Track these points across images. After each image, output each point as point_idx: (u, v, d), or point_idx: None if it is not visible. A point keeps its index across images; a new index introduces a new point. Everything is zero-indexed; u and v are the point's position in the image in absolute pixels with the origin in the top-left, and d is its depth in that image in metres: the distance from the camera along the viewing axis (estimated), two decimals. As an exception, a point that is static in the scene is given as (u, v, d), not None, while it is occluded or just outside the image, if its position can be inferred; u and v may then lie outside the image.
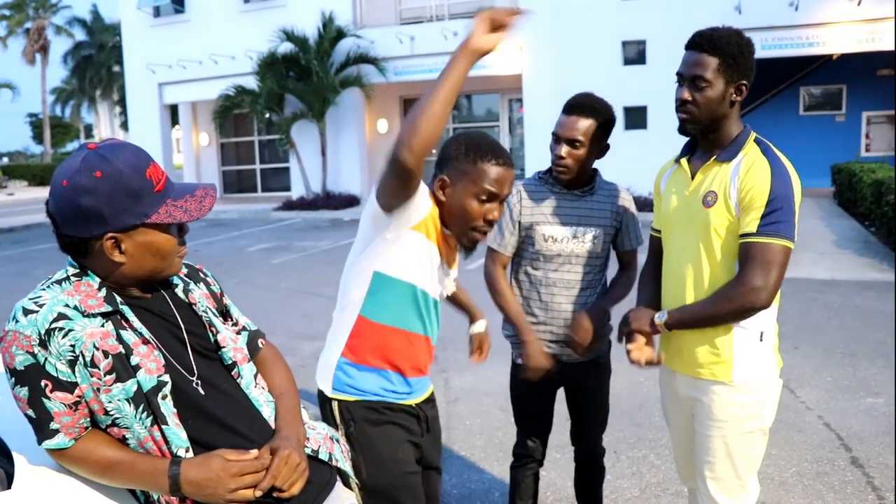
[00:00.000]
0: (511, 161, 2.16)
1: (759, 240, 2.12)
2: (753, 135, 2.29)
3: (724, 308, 2.19)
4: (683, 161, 2.40)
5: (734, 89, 2.23)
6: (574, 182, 2.79)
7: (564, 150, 2.70)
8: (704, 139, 2.33)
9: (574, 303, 2.82)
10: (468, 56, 1.81)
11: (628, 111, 17.99)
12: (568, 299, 2.82)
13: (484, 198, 2.10)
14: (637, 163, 13.25)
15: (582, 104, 2.70)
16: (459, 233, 2.17)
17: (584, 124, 2.67)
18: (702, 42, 2.22)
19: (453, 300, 2.66)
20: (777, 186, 2.12)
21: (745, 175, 2.18)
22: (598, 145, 2.73)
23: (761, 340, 2.28)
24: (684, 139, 2.45)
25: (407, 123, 1.78)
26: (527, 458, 3.04)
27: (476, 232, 2.15)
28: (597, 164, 2.84)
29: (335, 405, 2.20)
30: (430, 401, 2.39)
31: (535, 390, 2.94)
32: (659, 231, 2.57)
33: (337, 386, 2.19)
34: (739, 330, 2.26)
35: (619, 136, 17.46)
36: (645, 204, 13.68)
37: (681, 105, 2.28)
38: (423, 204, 2.06)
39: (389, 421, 2.22)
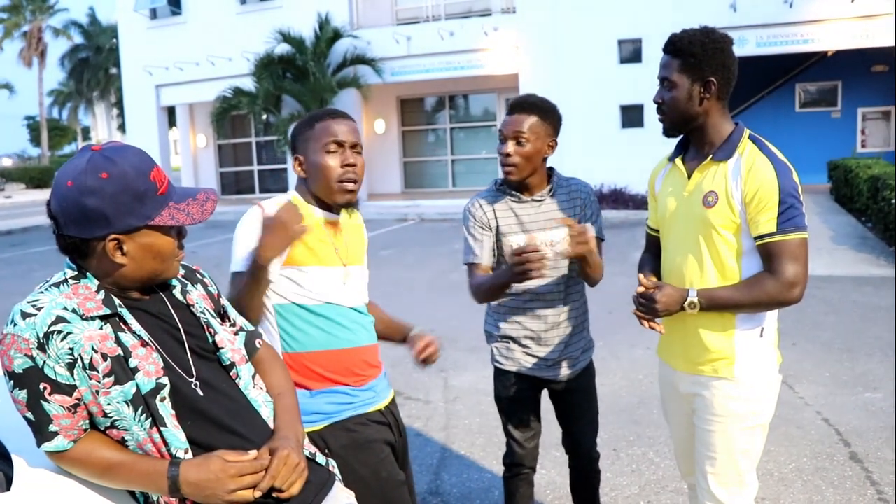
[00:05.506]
0: (346, 114, 2.30)
1: (781, 237, 2.16)
2: (747, 132, 2.30)
3: (758, 300, 2.20)
4: (678, 161, 2.41)
5: (701, 87, 2.25)
6: (528, 186, 2.77)
7: (511, 147, 2.68)
8: (695, 138, 2.36)
9: (556, 306, 2.80)
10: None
11: (625, 109, 17.96)
12: (549, 305, 2.79)
13: (332, 149, 2.22)
14: (633, 161, 13.27)
15: (524, 102, 2.73)
16: (329, 192, 2.24)
17: (528, 120, 2.68)
18: (667, 45, 2.31)
19: (378, 333, 2.47)
20: (784, 184, 2.16)
21: (748, 175, 2.19)
22: (545, 142, 2.71)
23: (762, 337, 2.30)
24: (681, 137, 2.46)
25: None
26: (518, 467, 2.98)
27: (343, 183, 2.23)
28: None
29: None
30: (394, 402, 2.41)
31: (518, 393, 2.90)
32: (656, 230, 2.58)
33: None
34: (741, 327, 2.28)
35: (615, 134, 17.53)
36: (642, 202, 13.69)
37: (657, 108, 2.37)
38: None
39: (366, 440, 2.21)
